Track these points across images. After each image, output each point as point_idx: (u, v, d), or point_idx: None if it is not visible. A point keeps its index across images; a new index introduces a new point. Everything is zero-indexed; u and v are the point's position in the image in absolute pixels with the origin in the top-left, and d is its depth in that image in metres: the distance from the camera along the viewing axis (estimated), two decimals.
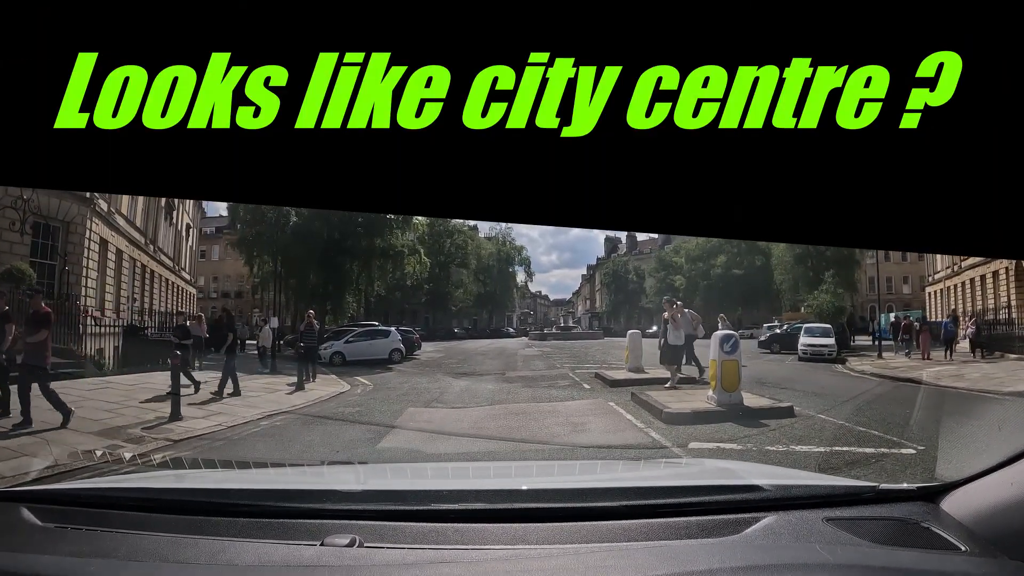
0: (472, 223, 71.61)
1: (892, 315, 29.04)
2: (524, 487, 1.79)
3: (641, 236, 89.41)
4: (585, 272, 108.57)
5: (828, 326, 23.49)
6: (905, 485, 1.60)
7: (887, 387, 12.73)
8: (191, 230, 42.94)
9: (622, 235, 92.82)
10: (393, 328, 21.94)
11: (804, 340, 22.18)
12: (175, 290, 37.52)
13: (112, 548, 1.34)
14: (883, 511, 1.50)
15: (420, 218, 27.37)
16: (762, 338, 27.30)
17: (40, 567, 1.24)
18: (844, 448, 6.05)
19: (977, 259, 33.09)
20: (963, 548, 1.28)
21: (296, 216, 24.01)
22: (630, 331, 16.25)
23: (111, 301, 21.58)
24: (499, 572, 1.24)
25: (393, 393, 11.62)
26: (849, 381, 14.53)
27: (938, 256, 42.98)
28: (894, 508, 1.51)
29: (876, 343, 22.30)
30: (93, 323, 17.17)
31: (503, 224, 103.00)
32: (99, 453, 3.30)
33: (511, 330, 72.80)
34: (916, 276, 54.36)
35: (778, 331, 27.99)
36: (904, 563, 1.25)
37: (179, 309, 30.11)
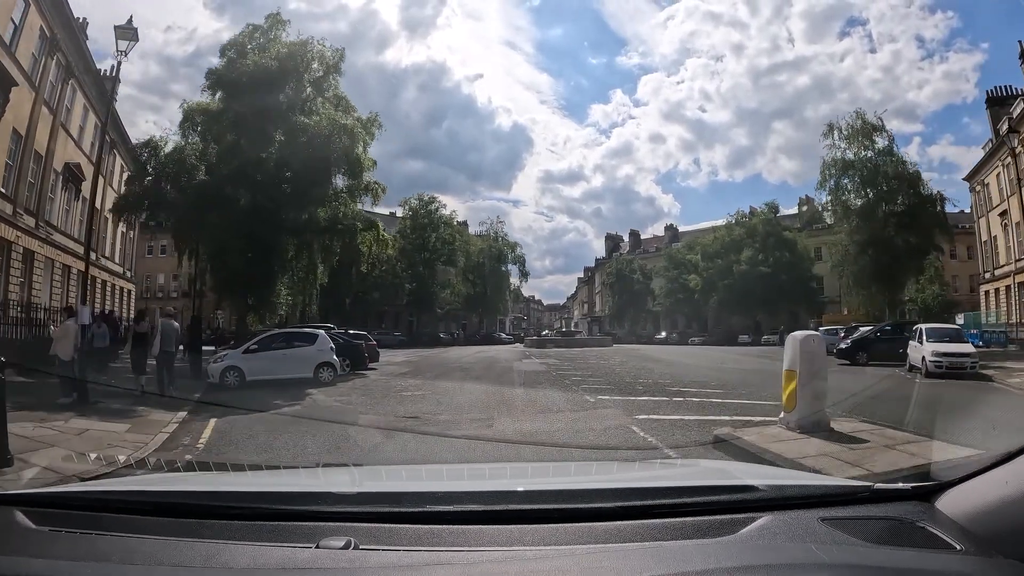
0: (462, 217, 65.25)
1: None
2: (519, 488, 1.78)
3: (645, 234, 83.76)
4: (582, 275, 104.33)
5: (957, 328, 16.95)
6: (900, 484, 1.58)
7: None
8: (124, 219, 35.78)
9: (624, 233, 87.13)
10: (321, 332, 14.95)
11: (933, 347, 15.09)
12: (90, 283, 30.57)
13: (107, 551, 1.33)
14: (878, 511, 1.49)
15: (381, 191, 20.56)
16: (842, 345, 20.65)
17: (35, 571, 1.24)
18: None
19: None
20: (958, 547, 1.28)
21: (205, 172, 17.08)
22: (800, 334, 7.72)
23: None
24: (495, 574, 1.24)
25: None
26: None
27: (1001, 249, 37.00)
28: (889, 508, 1.49)
29: None
30: None
31: (494, 217, 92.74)
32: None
33: (504, 335, 65.99)
34: (965, 275, 48.15)
35: (871, 335, 21.08)
36: (899, 563, 1.25)
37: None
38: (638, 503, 1.50)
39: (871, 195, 27.40)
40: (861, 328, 22.76)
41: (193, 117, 18.56)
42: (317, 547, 1.28)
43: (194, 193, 16.65)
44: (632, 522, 1.40)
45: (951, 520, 1.37)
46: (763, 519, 1.40)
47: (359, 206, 19.41)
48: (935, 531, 1.33)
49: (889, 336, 19.69)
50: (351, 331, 19.30)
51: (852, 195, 27.94)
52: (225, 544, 1.32)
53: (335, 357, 14.07)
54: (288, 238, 17.94)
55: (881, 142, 27.90)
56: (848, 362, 19.81)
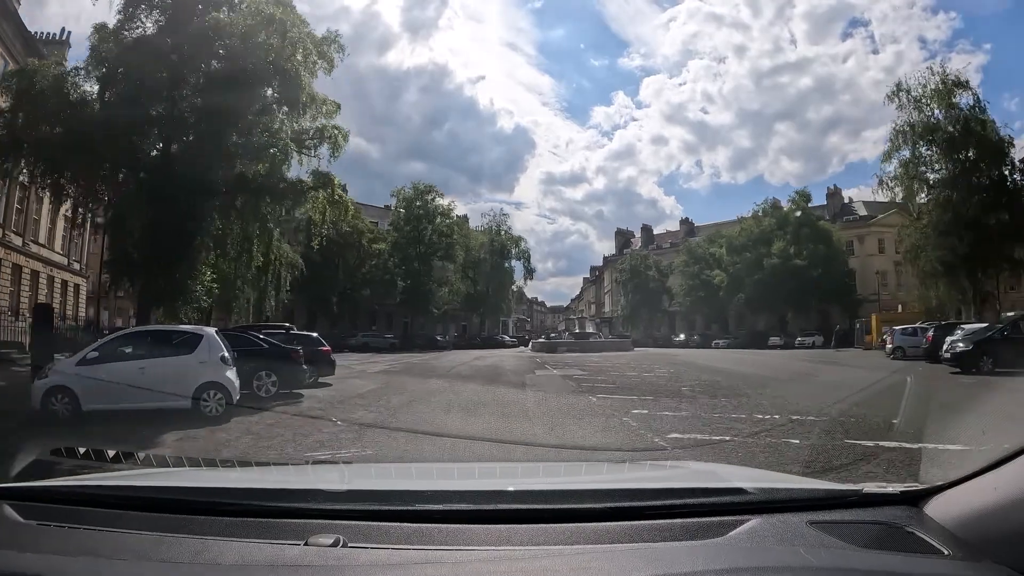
0: (461, 211, 60.11)
1: None
2: (509, 488, 1.78)
3: (658, 229, 78.74)
4: (588, 275, 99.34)
5: None
6: (889, 489, 1.57)
7: None
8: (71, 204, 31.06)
9: (636, 228, 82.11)
10: (209, 331, 9.69)
11: None
12: (11, 272, 26.08)
13: (95, 546, 1.33)
14: (867, 515, 1.48)
15: (343, 139, 15.53)
16: (957, 348, 15.76)
17: (22, 565, 1.23)
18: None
19: None
20: (946, 552, 1.27)
21: (98, 103, 12.30)
22: None
23: None
24: (483, 573, 1.24)
25: None
26: None
27: None
28: (878, 512, 1.49)
29: None
30: None
31: (497, 209, 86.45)
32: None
33: (507, 338, 60.69)
34: None
35: (996, 335, 15.20)
36: (887, 567, 1.24)
37: None
38: (627, 504, 1.50)
39: (953, 166, 22.52)
40: (963, 327, 17.91)
41: (99, 50, 13.86)
42: (306, 544, 1.29)
43: (77, 135, 11.77)
44: (621, 523, 1.40)
45: (939, 525, 1.37)
46: (752, 522, 1.39)
47: (314, 159, 14.38)
48: (923, 536, 1.33)
49: (1017, 335, 14.89)
50: (295, 331, 14.50)
51: (930, 167, 23.05)
52: (213, 540, 1.32)
53: (231, 374, 8.92)
54: (210, 200, 13.12)
55: (964, 101, 23.02)
56: (960, 370, 15.03)
